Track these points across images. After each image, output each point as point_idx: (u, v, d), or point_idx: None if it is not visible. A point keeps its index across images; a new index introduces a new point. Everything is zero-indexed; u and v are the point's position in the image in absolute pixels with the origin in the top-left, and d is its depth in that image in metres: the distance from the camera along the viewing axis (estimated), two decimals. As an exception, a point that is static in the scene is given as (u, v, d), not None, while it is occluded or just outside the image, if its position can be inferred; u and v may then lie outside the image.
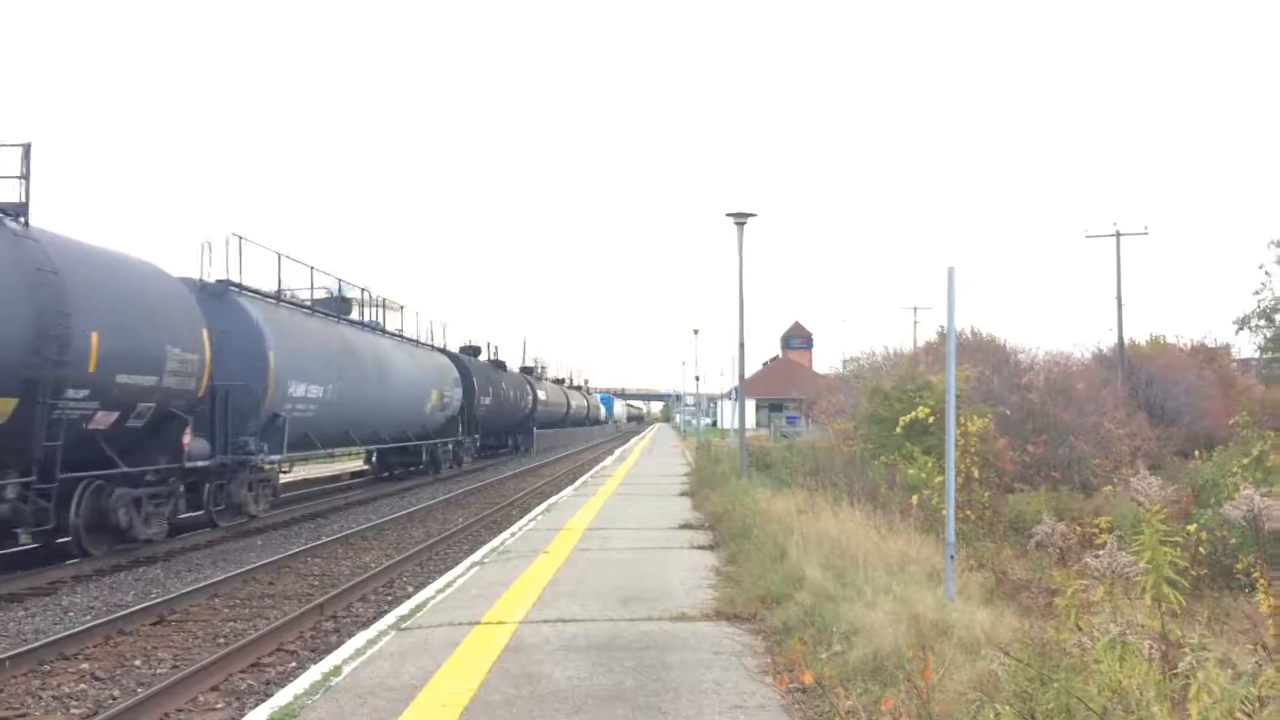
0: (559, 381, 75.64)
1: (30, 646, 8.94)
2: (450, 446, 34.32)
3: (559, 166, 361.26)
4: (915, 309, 62.03)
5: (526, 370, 60.56)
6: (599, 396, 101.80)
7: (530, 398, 50.88)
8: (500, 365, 49.62)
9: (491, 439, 46.15)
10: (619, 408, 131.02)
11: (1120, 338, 41.77)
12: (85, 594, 12.12)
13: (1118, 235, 42.41)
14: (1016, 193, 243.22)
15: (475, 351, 43.87)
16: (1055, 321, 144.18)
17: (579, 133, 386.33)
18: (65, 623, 10.47)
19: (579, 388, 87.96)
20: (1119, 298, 41.92)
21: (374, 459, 30.94)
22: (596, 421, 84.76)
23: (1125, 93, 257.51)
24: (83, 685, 8.17)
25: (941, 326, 27.75)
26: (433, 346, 35.54)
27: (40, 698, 7.82)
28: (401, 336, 31.68)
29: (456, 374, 34.80)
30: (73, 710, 7.53)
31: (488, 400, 39.94)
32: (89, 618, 10.61)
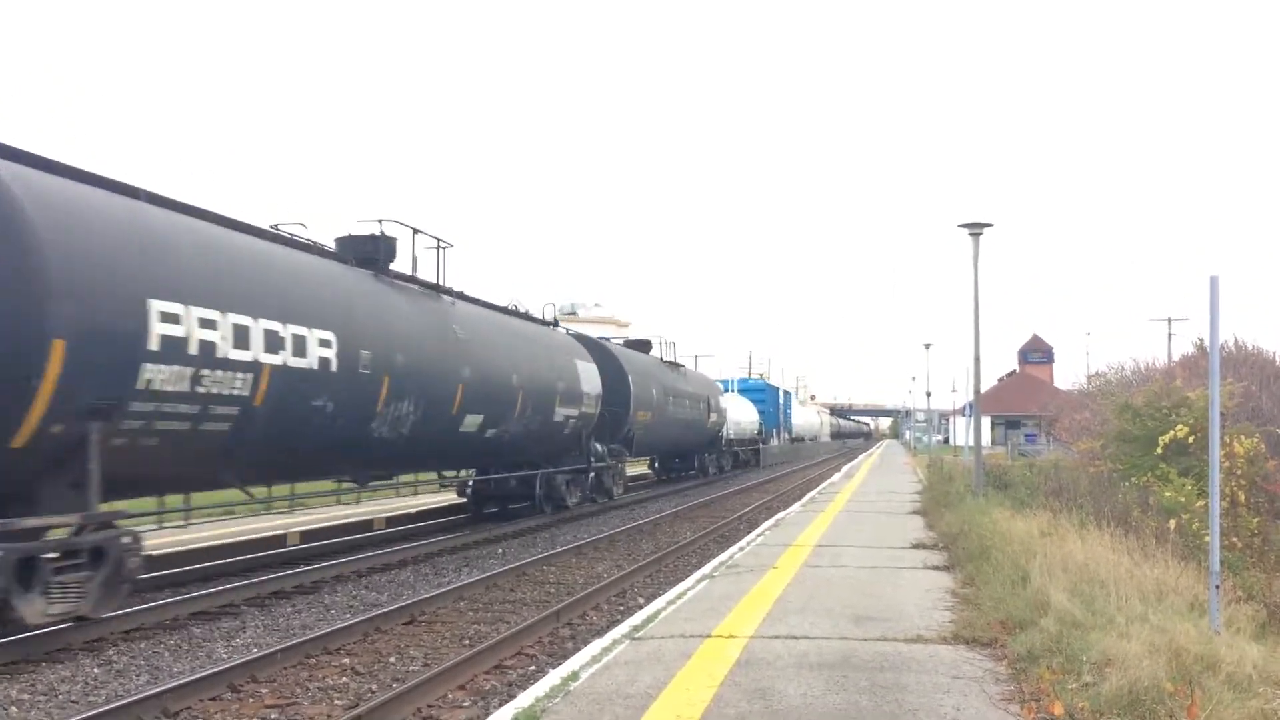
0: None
1: (298, 640, 9.69)
2: (592, 475, 24.63)
3: (793, 175, 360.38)
4: (1169, 320, 57.78)
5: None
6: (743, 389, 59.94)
7: (722, 409, 42.59)
8: (678, 366, 35.94)
9: (671, 460, 39.04)
10: (803, 416, 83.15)
11: None
12: (344, 593, 13.01)
13: None
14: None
15: (645, 346, 33.75)
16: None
17: (809, 141, 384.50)
18: (328, 620, 11.27)
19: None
20: None
21: (469, 491, 22.13)
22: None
23: None
24: (344, 678, 8.77)
25: (1200, 339, 25.81)
26: (542, 322, 23.62)
27: (308, 688, 8.45)
28: (476, 301, 19.51)
29: (592, 368, 24.04)
30: (336, 701, 8.08)
31: (651, 412, 29.61)
32: (348, 616, 11.38)
